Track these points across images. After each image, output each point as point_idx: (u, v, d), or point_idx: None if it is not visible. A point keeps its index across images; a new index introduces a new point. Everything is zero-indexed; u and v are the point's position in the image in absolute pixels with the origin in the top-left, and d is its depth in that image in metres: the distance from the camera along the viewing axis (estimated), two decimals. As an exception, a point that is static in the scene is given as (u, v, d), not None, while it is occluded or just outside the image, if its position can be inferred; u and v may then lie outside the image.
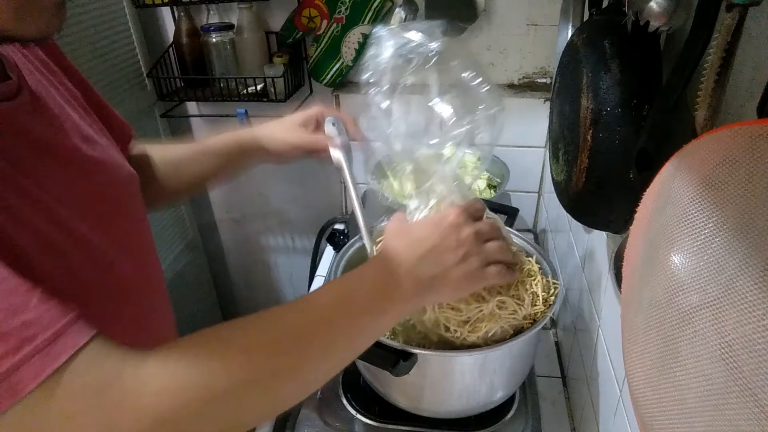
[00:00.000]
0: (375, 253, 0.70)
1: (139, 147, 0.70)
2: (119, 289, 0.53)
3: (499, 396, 0.77)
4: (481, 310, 0.66)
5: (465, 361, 0.70)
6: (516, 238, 0.87)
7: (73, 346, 0.35)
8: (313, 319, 0.46)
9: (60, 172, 0.47)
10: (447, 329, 0.66)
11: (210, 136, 0.76)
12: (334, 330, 0.46)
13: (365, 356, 0.64)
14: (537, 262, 0.79)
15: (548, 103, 1.18)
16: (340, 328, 0.47)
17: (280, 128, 0.75)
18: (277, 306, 0.46)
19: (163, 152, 0.73)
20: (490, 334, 0.66)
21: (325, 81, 1.23)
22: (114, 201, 0.53)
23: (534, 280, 0.75)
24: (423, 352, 0.66)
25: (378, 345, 0.65)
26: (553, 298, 0.72)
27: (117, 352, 0.37)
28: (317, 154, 0.75)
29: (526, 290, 0.71)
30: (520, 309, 0.68)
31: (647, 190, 0.41)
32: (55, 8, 0.40)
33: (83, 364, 0.35)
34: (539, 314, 0.70)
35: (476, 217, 0.57)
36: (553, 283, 0.74)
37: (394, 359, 0.63)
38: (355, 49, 1.19)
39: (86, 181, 0.50)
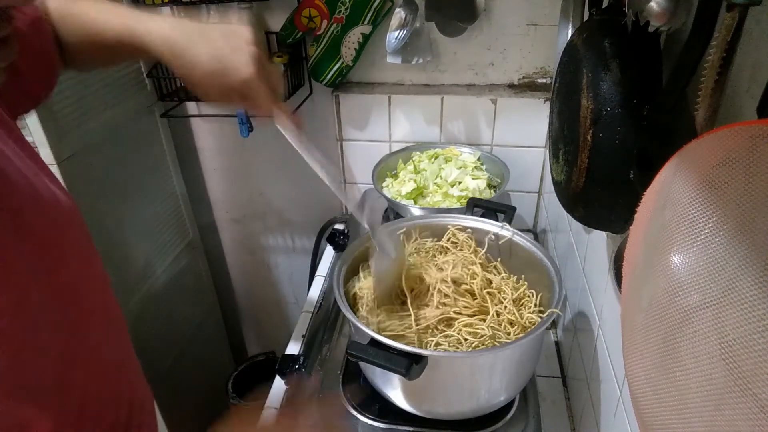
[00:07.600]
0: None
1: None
2: (75, 320, 0.51)
3: (501, 400, 0.77)
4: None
5: (465, 362, 0.70)
6: (517, 239, 0.87)
7: None
8: None
9: None
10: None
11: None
12: None
13: (379, 363, 0.63)
14: (528, 288, 0.84)
15: (548, 103, 1.18)
16: None
17: (211, 72, 0.56)
18: None
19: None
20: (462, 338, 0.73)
21: (325, 81, 1.23)
22: (57, 229, 0.51)
23: (529, 303, 0.81)
24: (433, 354, 0.66)
25: (391, 350, 0.64)
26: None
27: None
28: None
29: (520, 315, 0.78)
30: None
31: (647, 190, 0.41)
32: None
33: None
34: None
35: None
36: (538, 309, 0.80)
37: (408, 363, 0.62)
38: (355, 49, 1.19)
39: (25, 213, 0.47)
